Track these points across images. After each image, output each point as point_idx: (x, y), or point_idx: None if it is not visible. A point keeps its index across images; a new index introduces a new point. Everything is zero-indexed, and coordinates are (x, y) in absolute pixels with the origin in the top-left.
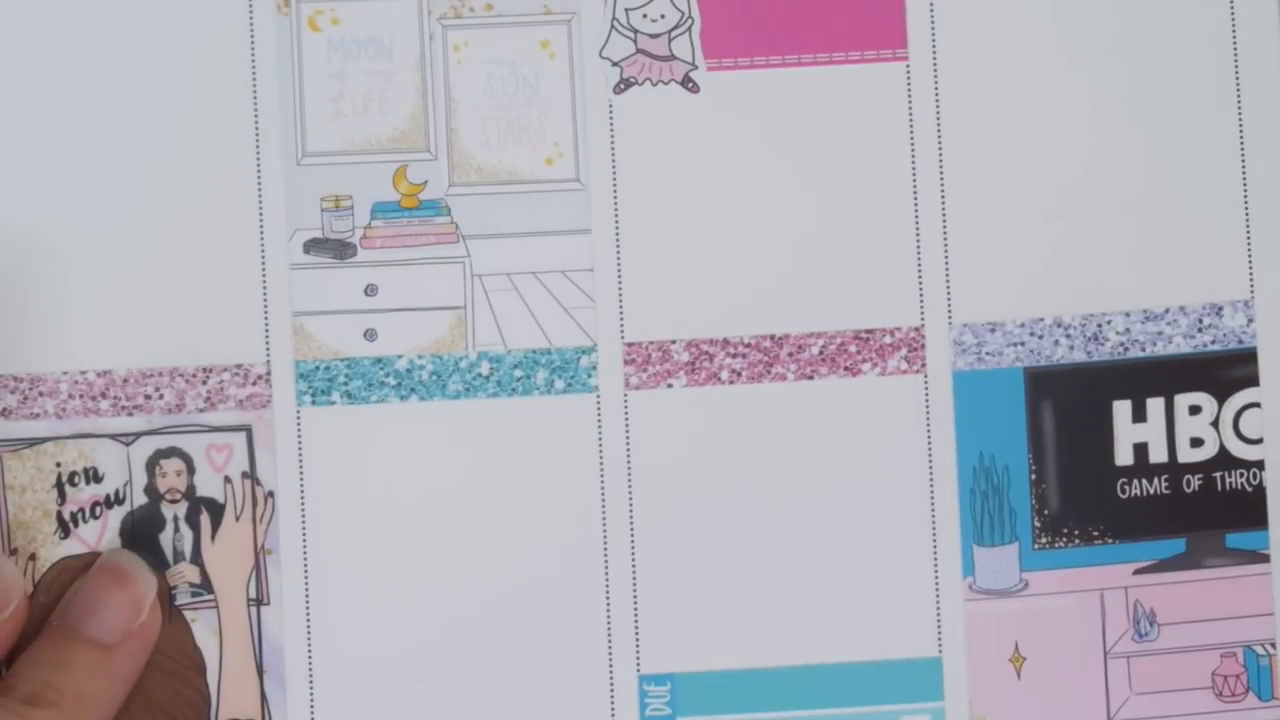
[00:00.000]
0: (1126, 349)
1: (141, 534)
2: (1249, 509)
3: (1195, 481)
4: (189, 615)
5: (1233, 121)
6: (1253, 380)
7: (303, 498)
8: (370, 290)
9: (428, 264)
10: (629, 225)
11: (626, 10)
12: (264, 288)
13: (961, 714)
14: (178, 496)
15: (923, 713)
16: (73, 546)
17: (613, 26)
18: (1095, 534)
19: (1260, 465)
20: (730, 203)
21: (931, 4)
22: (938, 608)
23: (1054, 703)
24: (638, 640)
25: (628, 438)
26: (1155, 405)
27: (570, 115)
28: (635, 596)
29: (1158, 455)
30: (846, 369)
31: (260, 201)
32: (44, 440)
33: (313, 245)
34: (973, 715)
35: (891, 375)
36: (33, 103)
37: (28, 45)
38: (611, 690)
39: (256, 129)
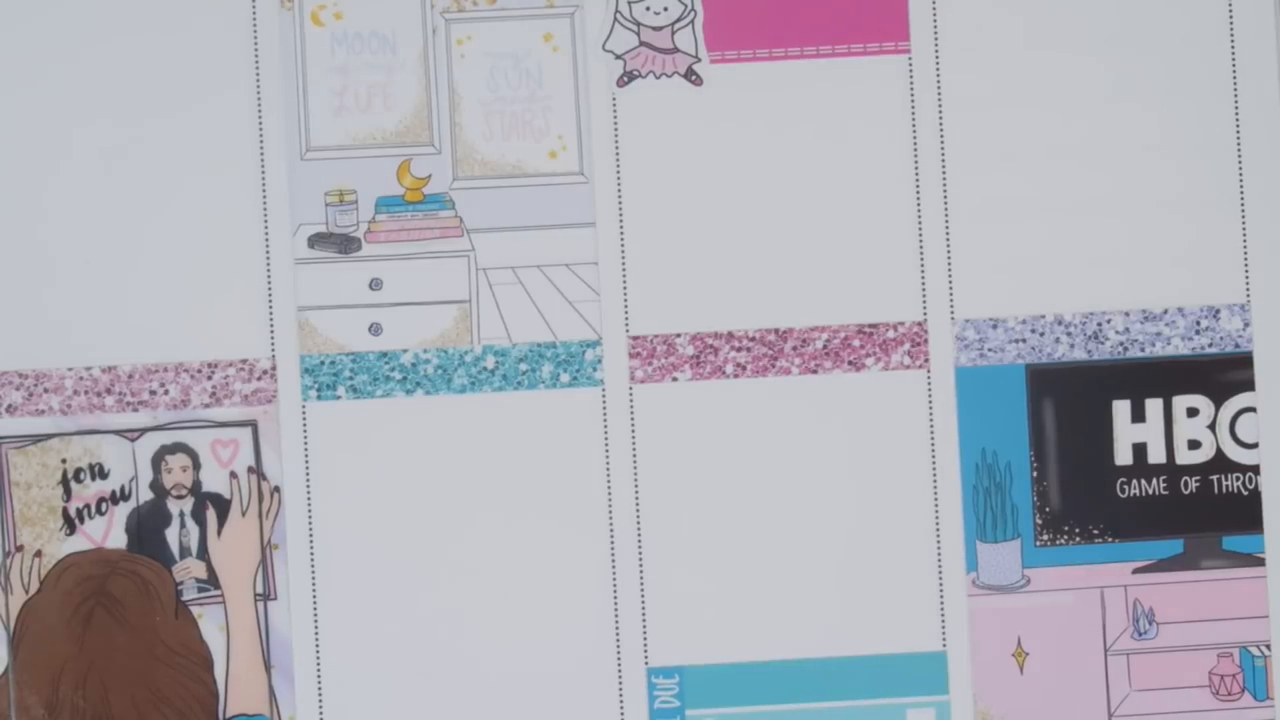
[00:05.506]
0: (1126, 349)
1: (147, 530)
2: (1245, 513)
3: (1193, 483)
4: (196, 611)
5: (1230, 125)
6: (1249, 385)
7: (309, 492)
8: (375, 284)
9: (432, 258)
10: (633, 218)
11: (629, 3)
12: (268, 282)
13: (966, 708)
14: (183, 492)
15: (928, 706)
16: (78, 543)
17: (615, 19)
18: (1095, 532)
19: (1256, 470)
20: (734, 195)
21: None
22: (942, 603)
23: (1056, 697)
24: (645, 633)
25: (633, 431)
26: (1154, 406)
27: (574, 108)
28: (642, 589)
29: (1156, 456)
30: (850, 363)
31: (264, 196)
32: (49, 436)
33: (317, 240)
34: (977, 709)
35: (895, 370)
36: (35, 98)
37: (30, 40)
38: (620, 683)
39: (260, 124)
